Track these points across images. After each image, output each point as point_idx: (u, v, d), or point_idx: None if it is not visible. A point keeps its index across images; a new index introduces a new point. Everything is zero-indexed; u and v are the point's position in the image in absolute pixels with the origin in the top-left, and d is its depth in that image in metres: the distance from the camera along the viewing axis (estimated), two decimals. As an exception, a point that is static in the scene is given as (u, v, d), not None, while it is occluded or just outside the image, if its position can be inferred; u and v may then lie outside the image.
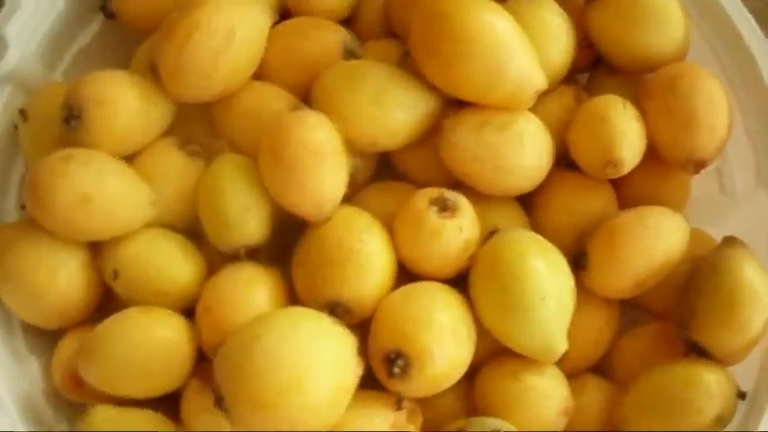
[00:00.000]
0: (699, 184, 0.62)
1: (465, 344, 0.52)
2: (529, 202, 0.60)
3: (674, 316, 0.56)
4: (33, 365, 0.59)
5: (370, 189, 0.60)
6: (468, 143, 0.55)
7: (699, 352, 0.55)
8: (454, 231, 0.53)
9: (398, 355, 0.50)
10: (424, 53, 0.55)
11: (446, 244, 0.53)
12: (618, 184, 0.60)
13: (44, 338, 0.59)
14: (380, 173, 0.61)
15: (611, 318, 0.58)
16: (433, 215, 0.53)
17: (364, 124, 0.56)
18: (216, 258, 0.56)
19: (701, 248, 0.57)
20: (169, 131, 0.58)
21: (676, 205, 0.59)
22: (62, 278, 0.55)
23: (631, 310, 0.60)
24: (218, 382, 0.47)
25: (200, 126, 0.59)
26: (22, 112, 0.59)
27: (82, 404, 0.55)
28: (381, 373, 0.51)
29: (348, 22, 0.63)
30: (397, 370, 0.50)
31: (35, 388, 0.58)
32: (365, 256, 0.53)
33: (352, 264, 0.53)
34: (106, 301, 0.57)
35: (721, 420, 0.52)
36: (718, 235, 0.58)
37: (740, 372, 0.54)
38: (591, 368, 0.59)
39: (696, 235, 0.58)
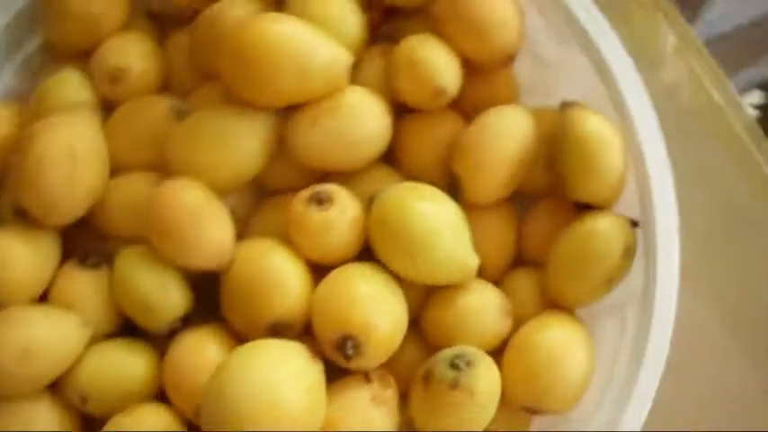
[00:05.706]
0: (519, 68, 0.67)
1: (392, 301, 0.58)
2: (392, 157, 0.65)
3: (555, 188, 0.63)
4: None
5: (257, 214, 0.65)
6: (313, 140, 0.61)
7: (585, 207, 0.61)
8: (339, 216, 0.59)
9: (345, 338, 0.56)
10: (239, 86, 0.60)
11: (338, 230, 0.59)
12: (456, 106, 0.65)
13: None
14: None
15: (505, 216, 0.64)
16: (314, 212, 0.59)
17: (221, 170, 0.61)
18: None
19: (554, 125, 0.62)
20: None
21: (510, 99, 0.66)
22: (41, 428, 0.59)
23: (526, 200, 0.66)
24: None
25: (90, 237, 0.64)
26: None
27: None
28: (339, 359, 0.57)
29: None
30: (350, 351, 0.56)
31: None
32: (279, 272, 0.58)
33: (271, 284, 0.58)
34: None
35: (629, 249, 0.59)
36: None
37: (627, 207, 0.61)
38: (512, 265, 0.65)
39: (547, 115, 0.63)
